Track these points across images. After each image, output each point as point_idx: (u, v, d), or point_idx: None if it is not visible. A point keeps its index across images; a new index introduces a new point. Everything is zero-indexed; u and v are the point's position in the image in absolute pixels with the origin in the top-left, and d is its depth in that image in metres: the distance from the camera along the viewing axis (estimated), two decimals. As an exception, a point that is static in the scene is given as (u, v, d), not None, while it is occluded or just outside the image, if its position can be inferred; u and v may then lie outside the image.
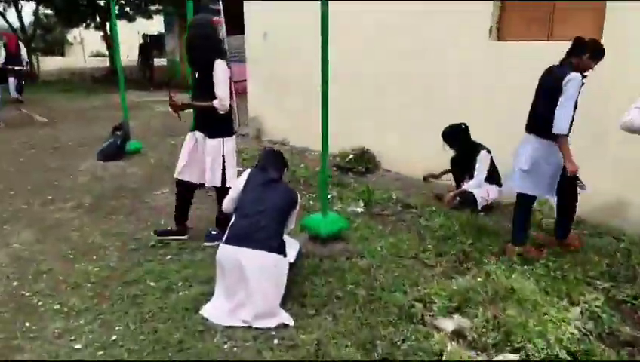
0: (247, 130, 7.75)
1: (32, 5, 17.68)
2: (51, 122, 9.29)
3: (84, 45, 32.66)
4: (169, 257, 3.57)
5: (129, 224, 4.21)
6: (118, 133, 6.32)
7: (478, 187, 4.24)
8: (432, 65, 5.13)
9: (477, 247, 3.55)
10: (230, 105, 3.56)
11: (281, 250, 2.83)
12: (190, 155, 3.72)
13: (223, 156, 3.62)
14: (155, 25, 21.97)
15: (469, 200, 4.22)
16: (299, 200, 3.14)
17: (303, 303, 2.87)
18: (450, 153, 4.48)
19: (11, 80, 10.31)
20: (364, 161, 5.72)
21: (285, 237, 2.98)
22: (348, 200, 4.70)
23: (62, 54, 38.07)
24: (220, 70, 3.45)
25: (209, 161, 3.62)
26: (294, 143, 6.92)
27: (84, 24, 19.78)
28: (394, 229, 3.98)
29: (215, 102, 3.45)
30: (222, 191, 3.66)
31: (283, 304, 2.79)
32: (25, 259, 3.54)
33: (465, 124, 4.30)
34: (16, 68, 11.37)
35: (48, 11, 18.73)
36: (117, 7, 18.67)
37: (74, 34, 32.17)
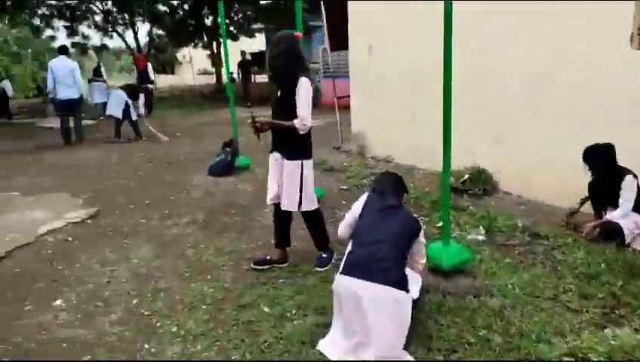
0: (350, 147, 7.61)
1: (147, 27, 19.15)
2: (172, 135, 9.85)
3: (193, 63, 34.95)
4: (281, 281, 3.46)
5: (241, 242, 4.19)
6: (228, 149, 6.46)
7: (624, 217, 3.68)
8: (564, 72, 4.60)
9: (629, 290, 3.03)
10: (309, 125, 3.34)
11: (403, 284, 2.58)
12: (277, 178, 3.56)
13: (300, 179, 3.42)
14: (258, 43, 22.82)
15: (613, 232, 3.68)
16: (422, 228, 2.88)
17: (429, 347, 2.59)
18: (586, 176, 3.96)
19: (141, 97, 11.03)
20: (480, 182, 5.30)
21: (407, 270, 2.72)
22: (466, 226, 4.33)
23: (172, 72, 41.09)
24: (304, 89, 3.26)
25: (286, 184, 3.45)
26: (399, 160, 6.65)
27: (192, 44, 21.02)
28: (524, 263, 3.56)
29: (296, 122, 3.26)
30: (309, 215, 3.59)
31: (406, 346, 2.53)
32: (144, 275, 3.61)
33: (611, 145, 3.77)
34: (147, 86, 12.50)
35: (160, 32, 20.13)
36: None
37: (183, 53, 34.53)
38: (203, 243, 4.19)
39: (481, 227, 4.28)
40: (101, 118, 13.66)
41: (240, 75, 18.25)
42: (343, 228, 2.93)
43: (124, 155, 8.01)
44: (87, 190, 5.82)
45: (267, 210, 4.96)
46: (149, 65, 14.09)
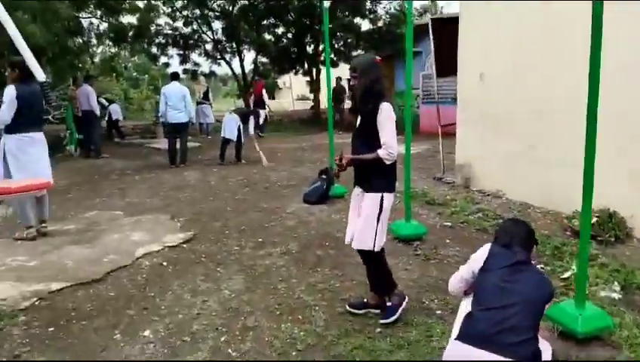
0: (454, 178, 7.08)
1: (252, 55, 19.99)
2: (273, 158, 9.95)
3: (292, 89, 36.09)
4: (379, 330, 3.09)
5: (335, 280, 3.88)
6: (324, 176, 6.25)
7: None
8: None
9: None
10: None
11: (537, 359, 2.10)
12: (356, 215, 3.22)
13: (379, 215, 3.06)
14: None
15: None
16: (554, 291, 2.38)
17: None
18: None
19: (251, 120, 11.25)
20: (611, 227, 4.56)
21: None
22: (597, 280, 3.67)
23: (272, 97, 42.76)
24: (385, 115, 2.97)
25: (362, 218, 3.11)
26: (511, 196, 6.02)
27: (293, 70, 21.57)
28: (680, 334, 2.88)
29: (380, 152, 2.97)
30: (375, 256, 3.17)
31: None
32: (233, 309, 3.42)
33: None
34: (257, 110, 13.09)
35: (264, 60, 20.90)
36: (323, 55, 20.00)
37: (283, 79, 35.80)
38: (295, 277, 3.95)
39: (615, 282, 3.62)
40: (208, 136, 14.49)
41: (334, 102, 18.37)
42: (457, 283, 2.52)
43: (223, 178, 8.13)
44: (186, 212, 5.89)
45: (364, 244, 4.64)
46: (264, 91, 15.17)
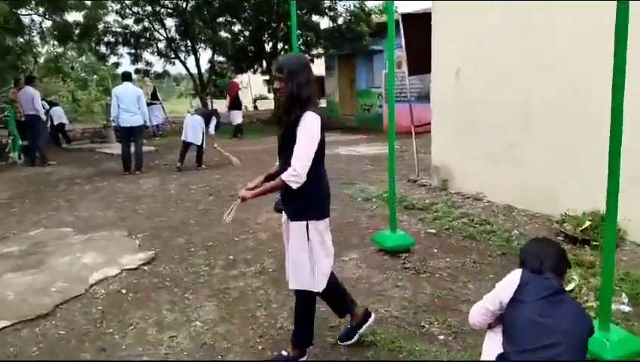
0: (430, 180, 6.80)
1: (208, 54, 19.26)
2: (228, 165, 9.41)
3: (251, 89, 35.34)
4: (378, 364, 2.71)
5: (319, 303, 3.46)
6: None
7: None
8: None
9: None
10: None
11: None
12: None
13: (309, 248, 2.53)
14: (316, 68, 22.54)
15: None
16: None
17: None
18: None
19: (213, 120, 10.57)
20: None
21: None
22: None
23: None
24: (305, 125, 2.41)
25: (290, 253, 2.61)
26: (493, 198, 5.78)
27: (252, 69, 20.96)
28: None
29: (284, 175, 2.39)
30: (304, 297, 2.64)
31: None
32: (208, 345, 2.95)
33: None
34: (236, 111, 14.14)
35: (221, 58, 20.20)
36: (281, 53, 19.51)
37: (240, 79, 35.03)
38: (275, 301, 3.51)
39: (623, 294, 3.37)
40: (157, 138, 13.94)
41: None
42: (480, 316, 2.14)
43: (184, 186, 7.56)
44: (145, 227, 5.32)
45: (345, 258, 4.25)
46: (240, 93, 15.15)
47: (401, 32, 6.72)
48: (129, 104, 8.66)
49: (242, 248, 4.58)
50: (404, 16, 6.71)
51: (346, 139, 13.67)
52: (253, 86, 33.50)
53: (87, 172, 9.48)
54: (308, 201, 2.53)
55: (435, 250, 4.38)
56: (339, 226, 5.13)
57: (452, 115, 6.27)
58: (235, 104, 14.62)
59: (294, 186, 2.39)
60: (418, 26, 6.66)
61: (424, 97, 14.26)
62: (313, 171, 2.44)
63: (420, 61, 6.73)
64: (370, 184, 7.16)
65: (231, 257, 4.35)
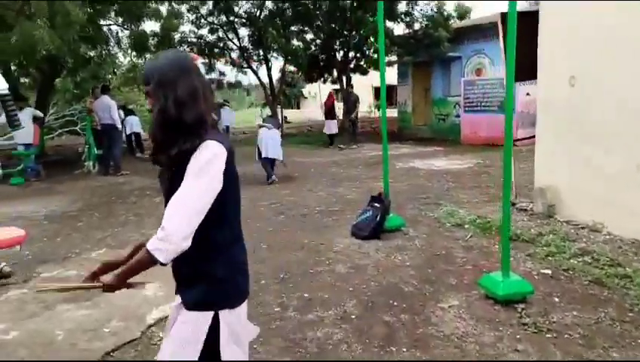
0: (530, 204, 5.88)
1: (279, 63, 19.10)
2: (297, 178, 8.91)
3: (320, 98, 35.15)
4: None
5: (419, 368, 2.77)
6: (377, 204, 5.12)
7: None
8: None
9: None
10: None
11: None
12: None
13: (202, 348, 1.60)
14: (390, 76, 21.84)
15: None
16: None
17: None
18: None
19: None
20: None
21: None
22: None
23: (298, 107, 41.91)
24: (197, 166, 1.55)
25: (164, 351, 1.68)
26: (614, 230, 4.78)
27: (322, 79, 20.60)
28: None
29: (150, 243, 1.52)
30: None
31: None
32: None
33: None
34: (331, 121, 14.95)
35: (292, 68, 20.00)
36: (353, 62, 18.95)
37: (309, 88, 34.89)
38: (361, 358, 2.85)
39: None
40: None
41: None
42: None
43: (252, 202, 7.09)
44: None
45: (444, 304, 3.51)
46: (335, 103, 15.71)
47: (500, 33, 5.88)
48: None
49: (319, 284, 3.96)
50: (504, 15, 5.85)
51: (420, 151, 12.84)
52: (320, 95, 33.29)
53: (158, 184, 9.31)
54: (214, 279, 1.64)
55: (557, 299, 3.53)
56: (429, 259, 4.39)
57: (563, 128, 5.34)
58: (331, 114, 15.18)
59: (163, 259, 1.50)
60: (520, 27, 5.78)
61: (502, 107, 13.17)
62: (213, 234, 1.62)
63: (522, 66, 5.84)
64: (458, 205, 6.34)
65: (306, 295, 3.73)
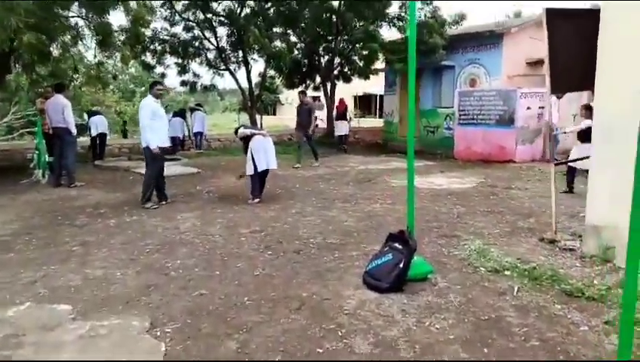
0: (579, 244, 4.80)
1: (259, 67, 17.90)
2: (282, 197, 7.66)
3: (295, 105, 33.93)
4: None
5: None
6: (399, 246, 3.91)
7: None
8: None
9: None
10: None
11: None
12: None
13: None
14: (375, 84, 20.86)
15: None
16: None
17: None
18: None
19: None
20: None
21: None
22: None
23: (274, 113, 40.60)
24: None
25: None
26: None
27: (304, 85, 19.44)
28: None
29: None
30: None
31: None
32: None
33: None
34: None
35: (271, 73, 18.80)
36: (337, 69, 17.85)
37: (286, 94, 33.69)
38: None
39: None
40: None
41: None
42: None
43: (231, 229, 5.82)
44: (176, 309, 3.53)
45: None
46: (348, 107, 16.61)
47: (545, 32, 4.78)
48: None
49: (332, 370, 2.72)
50: (551, 12, 4.76)
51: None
52: (296, 102, 32.07)
53: (117, 198, 7.93)
54: None
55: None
56: (477, 328, 3.20)
57: (627, 152, 4.23)
58: (342, 118, 16.22)
59: None
60: (572, 29, 4.71)
61: (507, 121, 12.26)
62: None
63: (571, 74, 4.78)
64: (482, 239, 5.22)
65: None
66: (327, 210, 6.80)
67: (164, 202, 7.28)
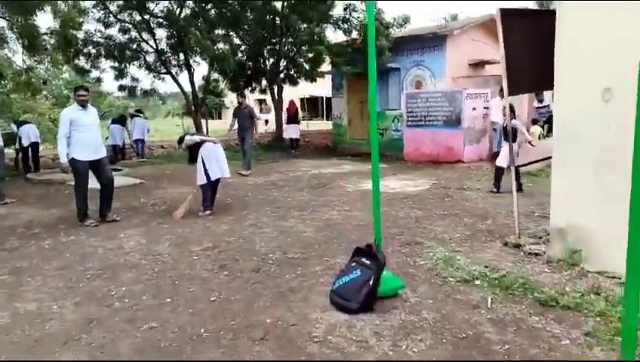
0: (543, 248, 4.74)
1: (201, 70, 17.29)
2: (234, 207, 7.25)
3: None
4: None
5: None
6: (367, 261, 3.66)
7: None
8: None
9: None
10: None
11: None
12: None
13: None
14: (322, 86, 20.68)
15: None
16: None
17: None
18: None
19: None
20: None
21: None
22: None
23: (219, 117, 39.70)
24: None
25: None
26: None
27: (249, 88, 18.98)
28: None
29: None
30: None
31: None
32: None
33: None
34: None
35: (215, 76, 18.23)
36: (284, 72, 17.54)
37: (231, 98, 32.99)
38: None
39: None
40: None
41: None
42: None
43: (180, 246, 5.39)
44: (123, 349, 3.12)
45: None
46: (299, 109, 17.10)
47: (499, 33, 4.70)
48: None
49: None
50: (505, 13, 4.68)
51: (365, 170, 11.62)
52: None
53: (52, 215, 7.26)
54: None
55: None
56: (456, 348, 2.99)
57: (592, 153, 4.19)
58: (294, 121, 16.43)
59: None
60: (528, 28, 4.66)
61: (454, 122, 12.39)
62: None
63: (526, 76, 4.72)
64: (444, 245, 5.09)
65: None
66: (284, 220, 6.48)
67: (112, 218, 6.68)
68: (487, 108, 12.80)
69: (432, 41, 14.19)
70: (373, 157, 3.80)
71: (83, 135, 6.35)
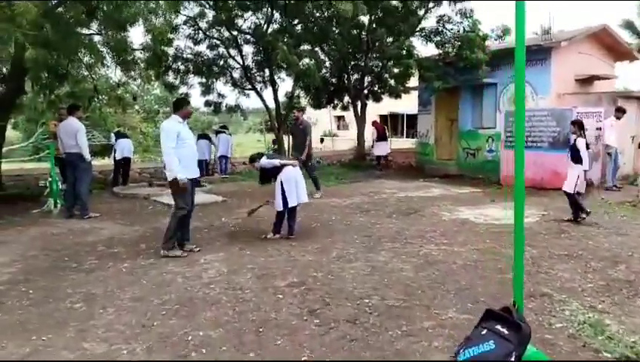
0: None
1: (286, 85, 17.12)
2: (317, 232, 6.59)
3: (317, 125, 33.07)
4: None
5: None
6: (505, 331, 2.79)
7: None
8: None
9: None
10: None
11: None
12: None
13: None
14: (407, 103, 19.81)
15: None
16: None
17: None
18: None
19: None
20: None
21: None
22: None
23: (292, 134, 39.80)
24: None
25: None
26: None
27: (331, 105, 18.55)
28: None
29: None
30: None
31: None
32: None
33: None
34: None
35: (297, 92, 17.95)
36: (367, 88, 16.94)
37: (309, 113, 32.90)
38: None
39: None
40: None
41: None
42: None
43: (262, 279, 4.81)
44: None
45: None
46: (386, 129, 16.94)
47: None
48: None
49: None
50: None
51: (458, 194, 10.61)
52: (320, 122, 31.17)
53: (134, 233, 7.03)
54: None
55: None
56: None
57: None
58: (384, 137, 16.43)
59: None
60: None
61: (561, 144, 11.05)
62: None
63: None
64: (575, 297, 4.11)
65: None
66: (375, 253, 5.74)
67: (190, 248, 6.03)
68: (599, 129, 11.37)
69: (536, 54, 12.89)
70: (516, 187, 2.94)
71: (187, 150, 5.72)
